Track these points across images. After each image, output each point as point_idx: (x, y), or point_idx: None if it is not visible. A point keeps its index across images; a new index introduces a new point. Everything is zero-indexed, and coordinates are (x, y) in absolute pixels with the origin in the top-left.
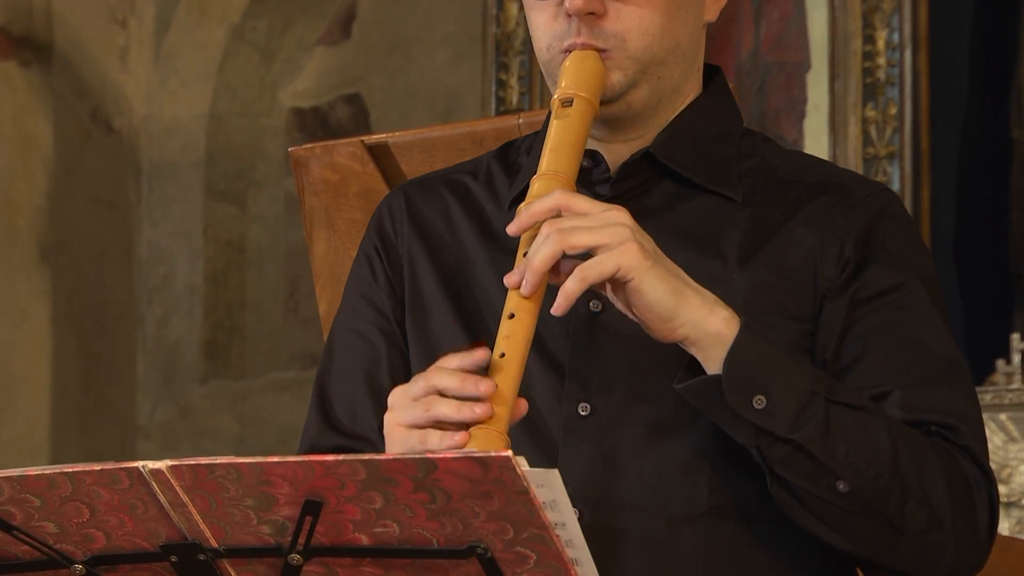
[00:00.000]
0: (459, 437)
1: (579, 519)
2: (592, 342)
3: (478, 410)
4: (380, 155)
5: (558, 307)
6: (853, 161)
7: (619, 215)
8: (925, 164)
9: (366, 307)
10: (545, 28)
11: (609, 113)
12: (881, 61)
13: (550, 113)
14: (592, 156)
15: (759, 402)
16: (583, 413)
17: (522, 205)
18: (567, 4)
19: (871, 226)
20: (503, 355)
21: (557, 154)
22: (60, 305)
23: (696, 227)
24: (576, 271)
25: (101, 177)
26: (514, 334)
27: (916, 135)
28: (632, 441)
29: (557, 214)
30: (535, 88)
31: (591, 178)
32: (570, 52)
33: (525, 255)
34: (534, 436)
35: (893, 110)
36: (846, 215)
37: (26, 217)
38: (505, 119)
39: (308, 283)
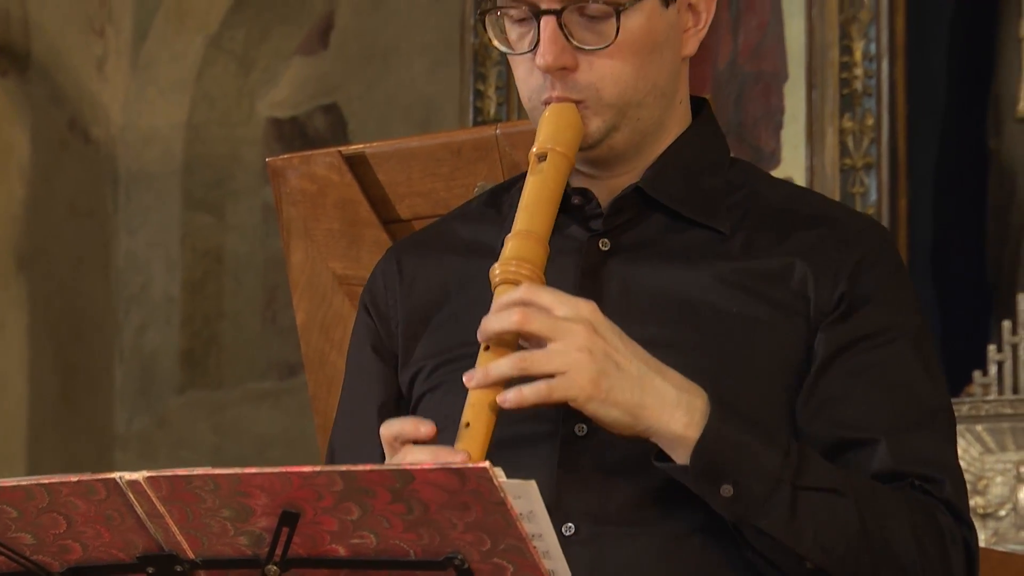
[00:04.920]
0: None
1: (574, 534)
2: None
3: None
4: (357, 165)
5: (504, 401)
6: (830, 172)
7: (579, 321)
8: (902, 175)
9: (361, 376)
10: (524, 81)
11: (593, 156)
12: (858, 72)
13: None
14: (583, 193)
15: (726, 491)
16: (579, 433)
17: (493, 304)
18: (538, 61)
19: (864, 263)
20: (468, 425)
21: (530, 212)
22: (37, 314)
23: (687, 257)
24: (529, 392)
25: (78, 186)
26: (479, 402)
27: (893, 146)
28: (628, 458)
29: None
30: (512, 99)
31: (584, 214)
32: (548, 104)
33: (487, 349)
34: (533, 454)
35: (870, 120)
36: (839, 248)
37: (3, 226)
38: (483, 129)
39: (286, 293)
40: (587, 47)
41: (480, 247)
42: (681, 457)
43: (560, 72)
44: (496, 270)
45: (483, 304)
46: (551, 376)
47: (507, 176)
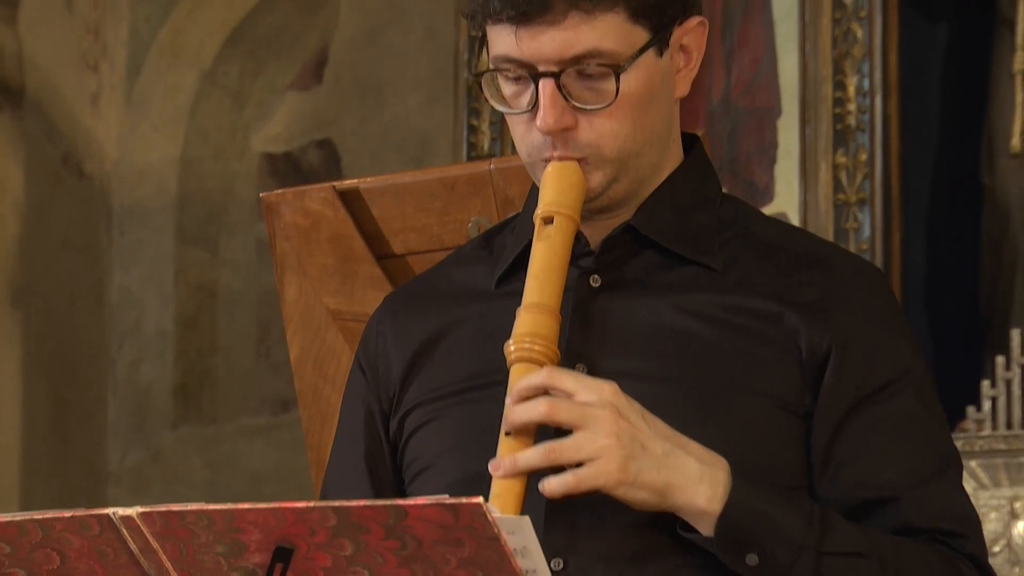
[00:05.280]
0: None
1: (562, 569)
2: None
3: None
4: (351, 200)
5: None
6: (824, 207)
7: (604, 406)
8: (896, 210)
9: (352, 429)
10: (522, 137)
11: (593, 207)
12: (852, 107)
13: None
14: None
15: (752, 560)
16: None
17: (509, 383)
18: (539, 124)
19: (859, 310)
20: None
21: (540, 282)
22: (31, 349)
23: (678, 293)
24: (557, 484)
25: (72, 221)
26: (504, 492)
27: (887, 181)
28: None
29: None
30: (506, 134)
31: (573, 252)
32: (548, 161)
33: (508, 434)
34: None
35: (864, 156)
36: (832, 294)
37: None
38: (477, 165)
39: (279, 328)
40: (587, 107)
41: (472, 289)
42: (706, 529)
43: (561, 132)
44: (511, 347)
45: (474, 345)
46: (578, 464)
47: (501, 211)
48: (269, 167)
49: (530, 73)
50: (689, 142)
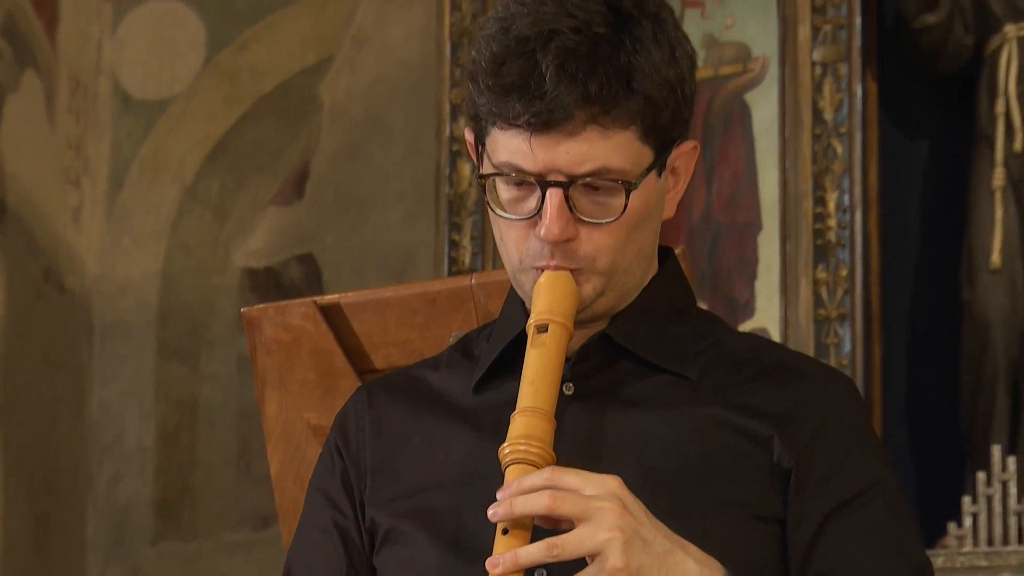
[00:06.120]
0: None
1: None
2: None
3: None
4: (332, 315)
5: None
6: (804, 322)
7: (610, 499)
8: (876, 325)
9: (325, 503)
10: (516, 244)
11: (576, 318)
12: (832, 223)
13: (512, 293)
14: None
15: None
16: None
17: (505, 483)
18: (543, 234)
19: (831, 420)
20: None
21: (536, 387)
22: (10, 464)
23: (652, 403)
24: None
25: (53, 336)
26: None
27: (867, 296)
28: None
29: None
30: (487, 248)
31: None
32: (542, 270)
33: (505, 532)
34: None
35: (844, 271)
36: (804, 404)
37: None
38: (458, 280)
39: (260, 443)
40: (592, 221)
41: (447, 396)
42: None
43: (562, 243)
44: (505, 449)
45: (444, 455)
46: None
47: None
48: (250, 282)
49: (538, 181)
50: (663, 254)
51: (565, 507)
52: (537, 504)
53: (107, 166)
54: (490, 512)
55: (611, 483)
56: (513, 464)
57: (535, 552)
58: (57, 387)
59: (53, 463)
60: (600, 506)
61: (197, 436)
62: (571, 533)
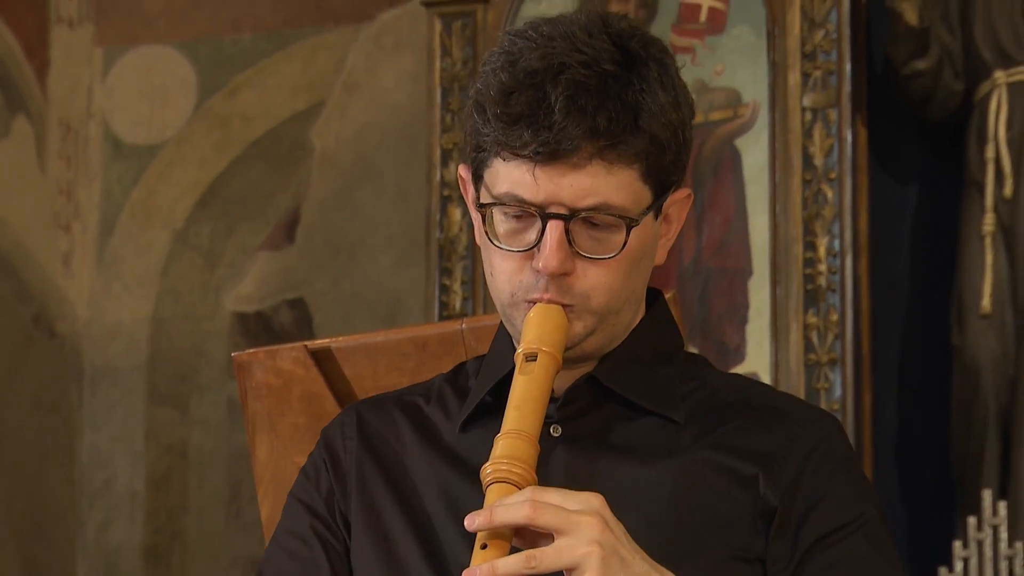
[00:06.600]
0: None
1: None
2: None
3: None
4: (323, 360)
5: None
6: (795, 367)
7: (591, 514)
8: (866, 370)
9: (304, 511)
10: (509, 276)
11: (565, 356)
12: (822, 267)
13: (500, 331)
14: None
15: None
16: None
17: (485, 503)
18: (541, 266)
19: (815, 457)
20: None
21: (521, 412)
22: (0, 509)
23: (639, 446)
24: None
25: (43, 382)
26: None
27: (857, 341)
28: None
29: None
30: (478, 293)
31: None
32: (534, 303)
33: (484, 547)
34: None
35: (834, 316)
36: (790, 443)
37: None
38: (448, 324)
39: (250, 488)
40: (591, 256)
41: (434, 429)
42: None
43: (558, 277)
44: (487, 469)
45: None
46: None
47: None
48: (241, 327)
49: (539, 212)
50: (652, 297)
51: (545, 518)
52: (517, 513)
53: (98, 211)
54: (467, 520)
55: (594, 500)
56: (494, 483)
57: (513, 564)
58: (47, 432)
59: (43, 508)
60: (581, 520)
61: (187, 481)
62: (550, 546)
